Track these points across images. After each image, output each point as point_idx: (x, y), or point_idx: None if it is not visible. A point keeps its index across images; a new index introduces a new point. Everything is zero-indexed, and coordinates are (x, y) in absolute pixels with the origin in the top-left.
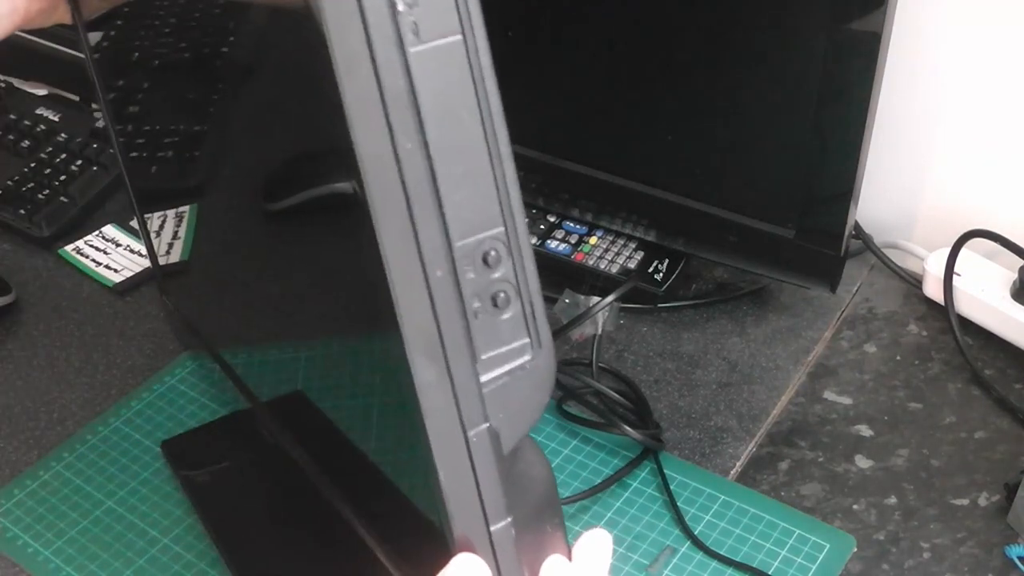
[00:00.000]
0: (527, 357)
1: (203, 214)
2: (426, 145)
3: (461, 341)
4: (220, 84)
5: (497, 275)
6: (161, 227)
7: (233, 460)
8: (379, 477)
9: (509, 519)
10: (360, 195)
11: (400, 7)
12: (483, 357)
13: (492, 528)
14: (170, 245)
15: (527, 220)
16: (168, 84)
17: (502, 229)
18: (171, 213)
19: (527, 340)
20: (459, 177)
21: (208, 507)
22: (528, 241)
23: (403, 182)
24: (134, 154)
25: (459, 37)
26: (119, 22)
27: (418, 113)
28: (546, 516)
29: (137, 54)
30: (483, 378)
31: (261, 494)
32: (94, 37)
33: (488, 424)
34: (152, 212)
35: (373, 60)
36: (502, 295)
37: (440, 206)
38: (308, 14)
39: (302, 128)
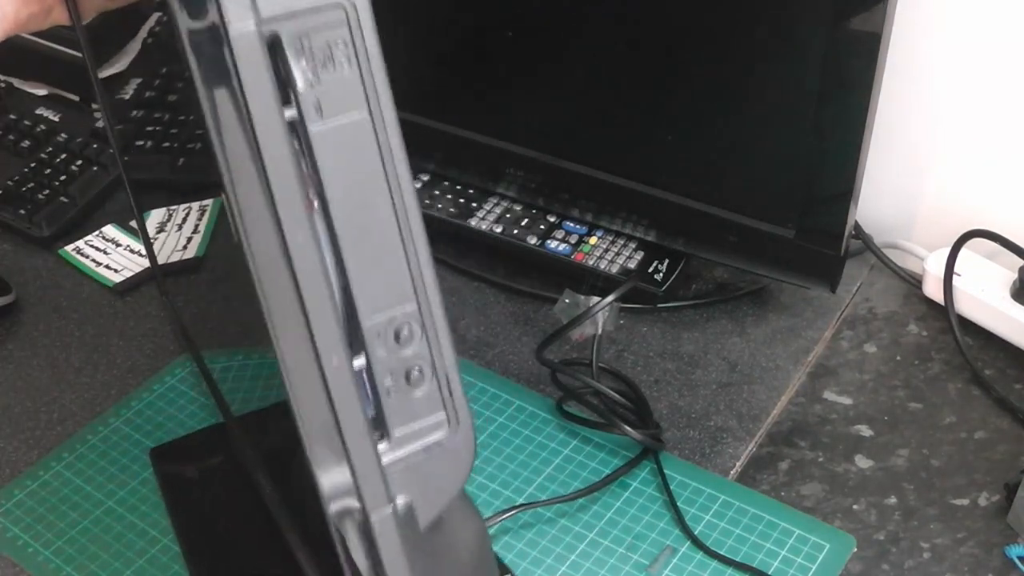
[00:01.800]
0: (443, 433)
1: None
2: (331, 225)
3: (359, 427)
4: None
5: (409, 352)
6: (184, 220)
7: (216, 470)
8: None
9: None
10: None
11: (300, 85)
12: (396, 435)
13: None
14: (189, 239)
15: (441, 296)
16: None
17: (415, 307)
18: (195, 206)
19: (443, 416)
20: (367, 256)
21: (182, 516)
22: (443, 317)
23: (295, 278)
24: (166, 144)
25: (366, 114)
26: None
27: (322, 194)
28: None
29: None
30: (396, 454)
31: (236, 506)
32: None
33: (392, 506)
34: (177, 204)
35: (256, 142)
36: (415, 372)
37: (347, 287)
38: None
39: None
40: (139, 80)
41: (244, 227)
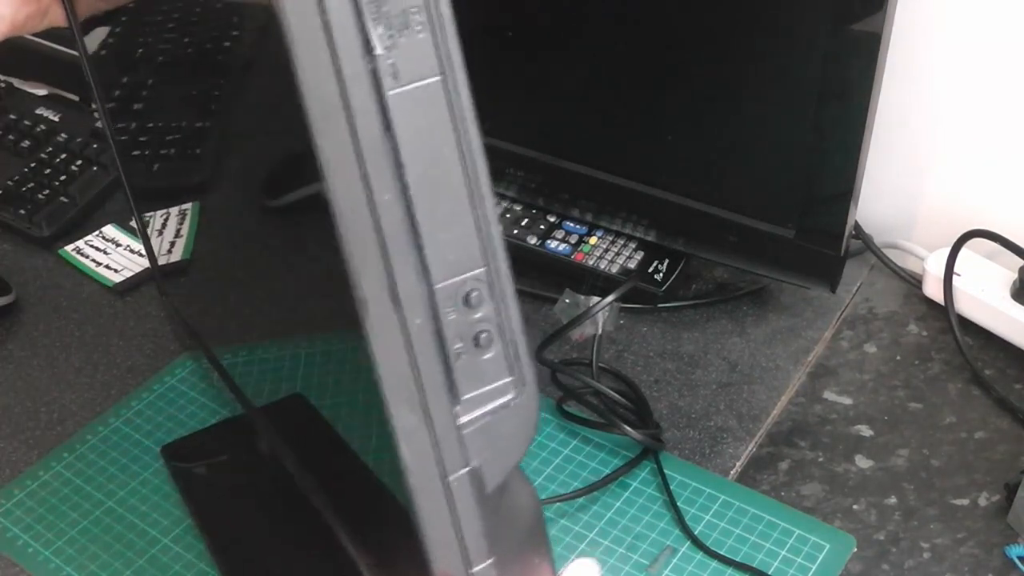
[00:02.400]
0: (510, 396)
1: (205, 212)
2: (406, 188)
3: (440, 389)
4: (222, 80)
5: (479, 315)
6: (164, 225)
7: (232, 465)
8: (373, 488)
9: (491, 560)
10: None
11: (378, 50)
12: (465, 397)
13: (473, 570)
14: (172, 244)
15: (508, 260)
16: (171, 80)
17: (483, 269)
18: (174, 211)
19: (510, 379)
20: (440, 219)
21: (204, 512)
22: (510, 280)
23: (381, 237)
24: (136, 152)
25: (438, 78)
26: (124, 18)
27: (397, 157)
28: (532, 547)
29: (141, 50)
30: (465, 418)
31: (258, 500)
32: (100, 34)
33: (468, 468)
34: (155, 210)
35: (348, 108)
36: (484, 335)
37: (420, 249)
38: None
39: (302, 123)
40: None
41: (331, 186)
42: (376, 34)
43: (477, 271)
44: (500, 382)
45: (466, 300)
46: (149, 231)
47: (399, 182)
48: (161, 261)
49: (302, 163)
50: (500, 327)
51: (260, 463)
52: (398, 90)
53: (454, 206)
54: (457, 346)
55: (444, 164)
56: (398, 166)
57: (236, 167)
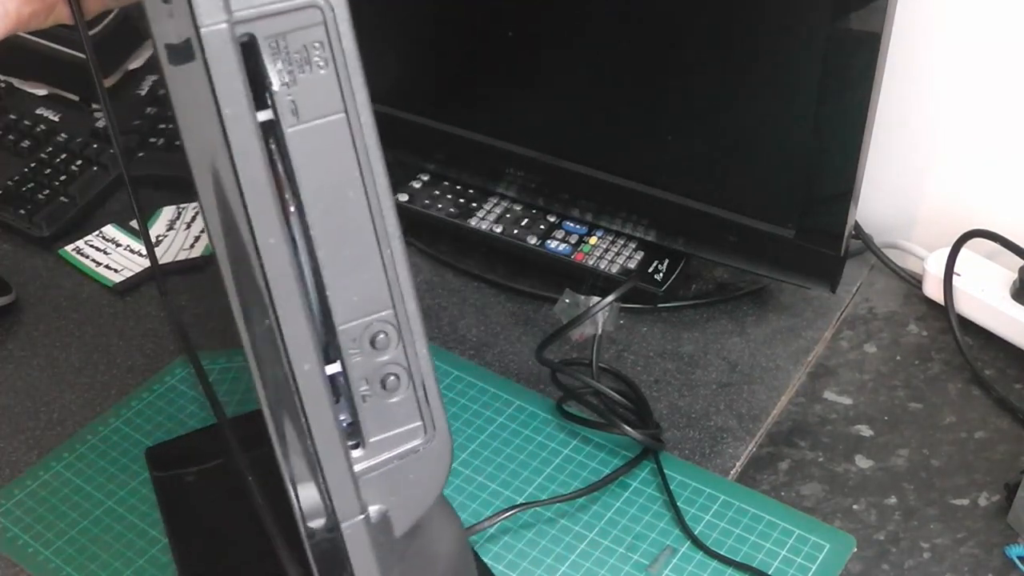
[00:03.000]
0: (419, 440)
1: None
2: (306, 228)
3: (331, 434)
4: None
5: (386, 358)
6: (192, 220)
7: (213, 472)
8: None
9: None
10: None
11: (275, 86)
12: (372, 440)
13: None
14: (196, 238)
15: (417, 302)
16: None
17: (391, 311)
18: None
19: (419, 423)
20: (344, 260)
21: (173, 516)
22: (420, 323)
23: (264, 281)
24: (179, 142)
25: (342, 115)
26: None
27: (297, 198)
28: None
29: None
30: (369, 462)
31: (229, 508)
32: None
33: (365, 515)
34: (188, 203)
35: (227, 143)
36: (391, 378)
37: (322, 290)
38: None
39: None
40: (154, 77)
41: (215, 229)
42: (275, 70)
43: (384, 313)
44: (409, 426)
45: (372, 342)
46: (179, 223)
47: (300, 223)
48: (182, 256)
49: None
50: (409, 370)
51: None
52: (298, 127)
53: (359, 246)
54: (363, 388)
55: (348, 204)
56: (299, 206)
57: None
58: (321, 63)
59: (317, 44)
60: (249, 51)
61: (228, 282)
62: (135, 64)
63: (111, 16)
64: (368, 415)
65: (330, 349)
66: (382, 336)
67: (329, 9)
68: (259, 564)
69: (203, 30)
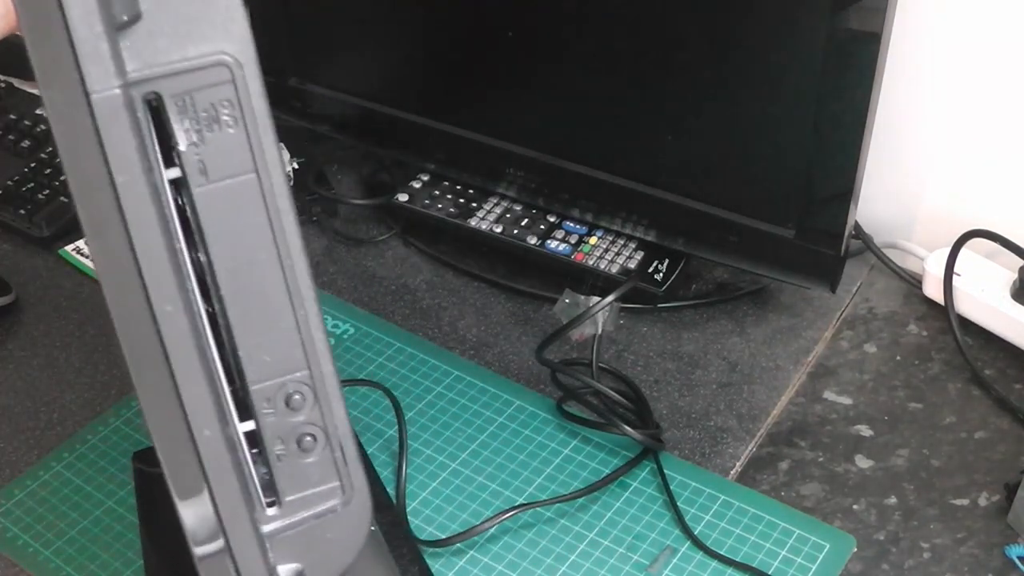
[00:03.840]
0: (336, 500)
1: None
2: (217, 289)
3: (236, 496)
4: None
5: (301, 418)
6: None
7: None
8: None
9: None
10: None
11: (182, 146)
12: (287, 499)
13: None
14: None
15: (334, 362)
16: None
17: (306, 372)
18: None
19: (337, 484)
20: (255, 321)
21: (150, 521)
22: (336, 383)
23: (161, 346)
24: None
25: (252, 175)
26: None
27: (208, 258)
28: None
29: None
30: (287, 520)
31: None
32: None
33: (274, 575)
34: None
35: (121, 212)
36: (308, 438)
37: (235, 351)
38: None
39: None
40: None
41: (110, 297)
42: (182, 129)
43: (298, 374)
44: (326, 486)
45: (287, 402)
46: None
47: (212, 283)
48: None
49: None
50: (325, 430)
51: None
52: (207, 187)
53: (270, 307)
54: (278, 448)
55: (258, 264)
56: (209, 266)
57: None
58: (230, 121)
59: (226, 102)
60: (156, 110)
61: (125, 350)
62: None
63: None
64: (283, 474)
65: (245, 408)
66: (297, 396)
67: (238, 67)
68: None
69: (94, 96)
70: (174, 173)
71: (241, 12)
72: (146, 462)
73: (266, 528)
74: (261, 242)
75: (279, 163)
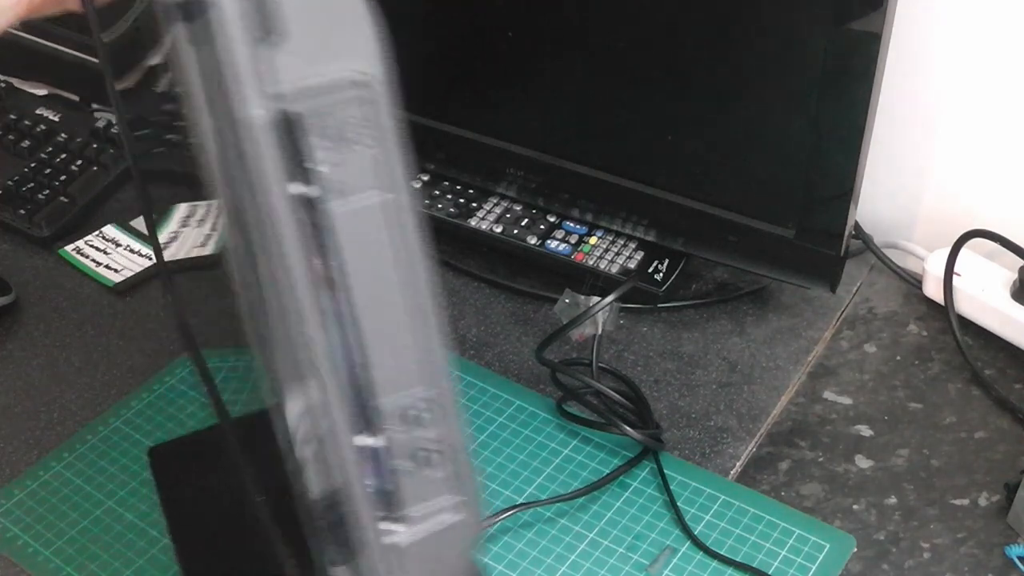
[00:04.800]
0: (454, 514)
1: None
2: (352, 307)
3: (368, 513)
4: None
5: (425, 434)
6: (206, 217)
7: (213, 470)
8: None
9: None
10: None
11: (318, 164)
12: (411, 514)
13: None
14: (208, 236)
15: (453, 382)
16: None
17: (431, 389)
18: (216, 203)
19: (456, 499)
20: (386, 337)
21: (176, 515)
22: (454, 400)
23: (309, 358)
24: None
25: (383, 195)
26: None
27: (342, 274)
28: None
29: None
30: (409, 534)
31: (231, 508)
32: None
33: None
34: (202, 201)
35: (271, 225)
36: (431, 455)
37: (367, 368)
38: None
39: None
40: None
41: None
42: (319, 148)
43: (423, 390)
44: (444, 500)
45: (411, 419)
46: (192, 220)
47: (346, 300)
48: (194, 253)
49: None
50: (446, 447)
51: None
52: (341, 206)
53: (400, 325)
54: (401, 463)
55: (389, 283)
56: (344, 283)
57: None
58: (365, 140)
59: (363, 120)
60: (292, 129)
61: (270, 370)
62: (156, 60)
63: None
64: (407, 489)
65: (372, 424)
66: (424, 415)
67: (375, 85)
68: (261, 565)
69: (239, 113)
70: (314, 191)
71: (374, 30)
72: (164, 463)
73: (390, 541)
74: (392, 261)
75: (408, 182)
